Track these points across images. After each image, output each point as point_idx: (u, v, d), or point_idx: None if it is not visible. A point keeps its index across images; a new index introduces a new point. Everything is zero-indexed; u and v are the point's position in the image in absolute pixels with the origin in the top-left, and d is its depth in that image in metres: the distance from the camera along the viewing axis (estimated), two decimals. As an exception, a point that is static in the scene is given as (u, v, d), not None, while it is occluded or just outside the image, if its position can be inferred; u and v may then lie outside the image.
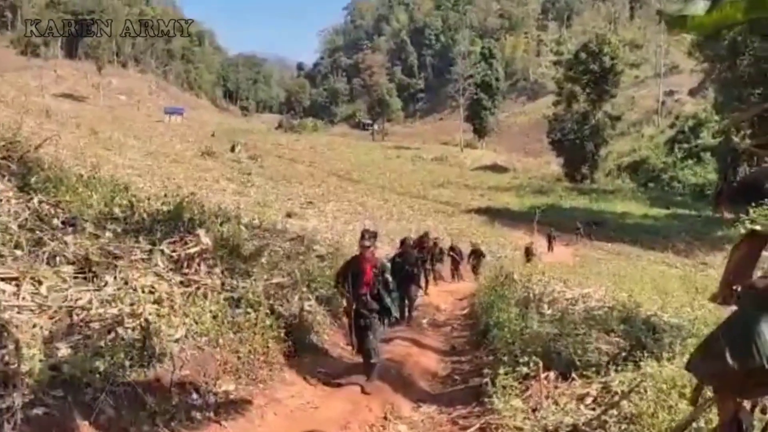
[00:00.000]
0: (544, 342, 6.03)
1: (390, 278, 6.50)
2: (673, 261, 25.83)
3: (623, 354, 5.51)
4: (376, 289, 6.33)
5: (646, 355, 5.08)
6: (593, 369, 5.17)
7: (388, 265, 6.80)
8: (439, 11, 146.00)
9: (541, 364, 5.16)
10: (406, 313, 10.56)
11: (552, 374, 5.24)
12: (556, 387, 5.07)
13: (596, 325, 6.64)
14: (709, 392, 1.90)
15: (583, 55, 60.40)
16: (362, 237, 6.43)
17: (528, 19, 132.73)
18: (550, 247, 27.95)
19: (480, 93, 79.18)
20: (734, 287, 1.82)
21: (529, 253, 20.82)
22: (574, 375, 5.18)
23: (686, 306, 8.62)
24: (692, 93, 72.37)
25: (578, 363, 5.38)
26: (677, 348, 5.27)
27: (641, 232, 35.99)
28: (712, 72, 45.16)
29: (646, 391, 4.13)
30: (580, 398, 4.82)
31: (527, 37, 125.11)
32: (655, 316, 7.48)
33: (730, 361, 1.50)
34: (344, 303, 6.72)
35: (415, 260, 11.36)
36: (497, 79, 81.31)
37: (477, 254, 20.19)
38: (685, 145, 59.34)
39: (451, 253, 19.28)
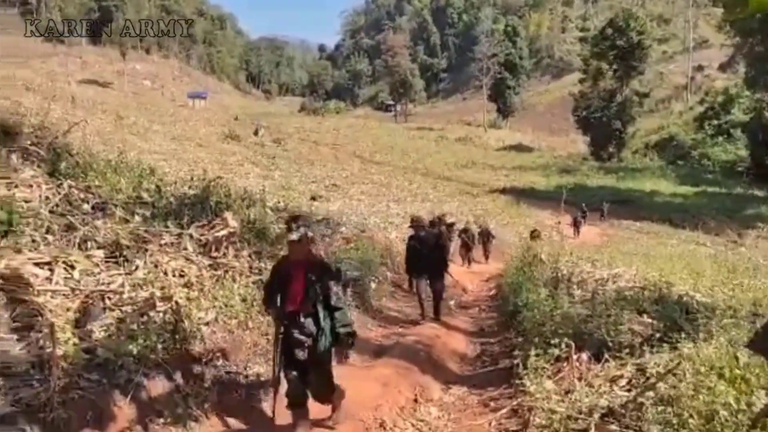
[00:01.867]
0: (575, 323, 5.94)
1: (334, 287, 4.33)
2: (704, 239, 25.33)
3: (657, 335, 5.40)
4: (311, 303, 4.25)
5: (682, 336, 4.96)
6: (627, 350, 5.07)
7: (336, 267, 4.74)
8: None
9: (573, 346, 5.08)
10: (430, 309, 9.28)
11: (584, 356, 5.15)
12: (588, 369, 4.99)
13: (628, 306, 6.52)
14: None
15: (609, 31, 59.22)
16: (288, 229, 4.26)
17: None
18: (576, 232, 26.20)
19: (504, 72, 78.21)
20: None
21: (534, 237, 20.13)
22: (607, 356, 5.09)
23: (719, 285, 8.46)
24: (722, 68, 70.45)
25: (611, 344, 5.28)
26: (713, 329, 5.14)
27: (670, 210, 35.38)
28: (744, 46, 43.98)
29: (683, 373, 4.03)
30: (614, 380, 4.74)
31: (552, 14, 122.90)
32: (688, 295, 7.35)
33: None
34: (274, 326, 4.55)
35: (435, 242, 9.31)
36: (521, 58, 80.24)
37: (485, 235, 19.48)
38: (715, 122, 57.99)
39: (462, 235, 18.25)
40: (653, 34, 64.43)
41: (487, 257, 19.23)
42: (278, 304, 4.30)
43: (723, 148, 55.90)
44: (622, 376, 4.75)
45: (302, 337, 4.23)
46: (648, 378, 4.46)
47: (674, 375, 4.10)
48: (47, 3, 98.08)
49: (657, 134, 66.47)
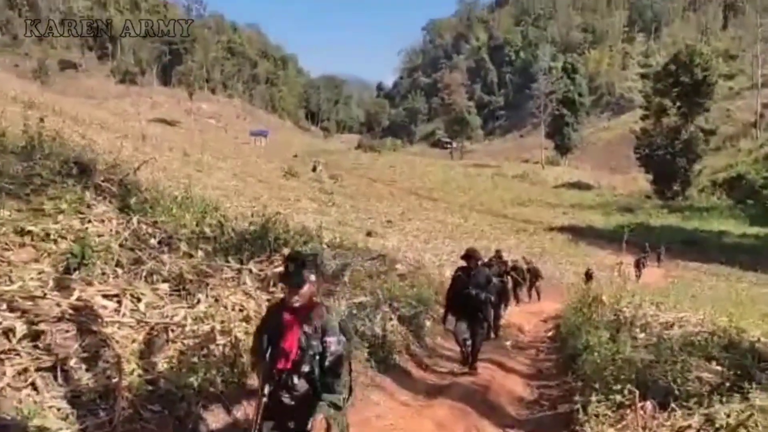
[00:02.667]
0: (639, 369, 5.73)
1: (336, 347, 3.38)
2: (777, 283, 24.13)
3: (727, 384, 5.15)
4: (308, 364, 3.35)
5: (754, 386, 4.72)
6: (694, 399, 4.85)
7: (343, 325, 3.58)
8: (519, 27, 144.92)
9: (637, 393, 4.89)
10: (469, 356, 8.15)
11: (649, 404, 4.95)
12: (653, 417, 4.79)
13: (695, 352, 6.26)
14: None
15: (672, 67, 58.03)
16: (285, 269, 3.40)
17: (613, 32, 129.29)
18: (638, 275, 23.95)
19: (562, 109, 77.64)
20: None
21: (588, 278, 18.54)
22: (673, 405, 4.87)
23: (795, 332, 8.02)
24: (794, 104, 67.89)
25: (677, 392, 5.07)
26: (790, 379, 4.87)
27: (740, 251, 33.84)
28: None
29: (756, 426, 3.83)
30: (681, 431, 4.53)
31: (612, 51, 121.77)
32: (760, 342, 6.99)
33: None
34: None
35: (486, 281, 8.09)
36: (580, 95, 79.44)
37: (533, 273, 18.61)
38: (787, 160, 55.56)
39: (512, 272, 16.96)
40: (719, 70, 62.81)
41: (538, 296, 18.62)
42: (267, 358, 3.36)
43: (796, 187, 53.34)
44: (689, 427, 4.54)
45: (292, 403, 3.34)
46: (717, 429, 4.25)
47: (745, 428, 3.90)
48: (122, 46, 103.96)
49: (725, 172, 64.10)
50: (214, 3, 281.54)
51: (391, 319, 8.40)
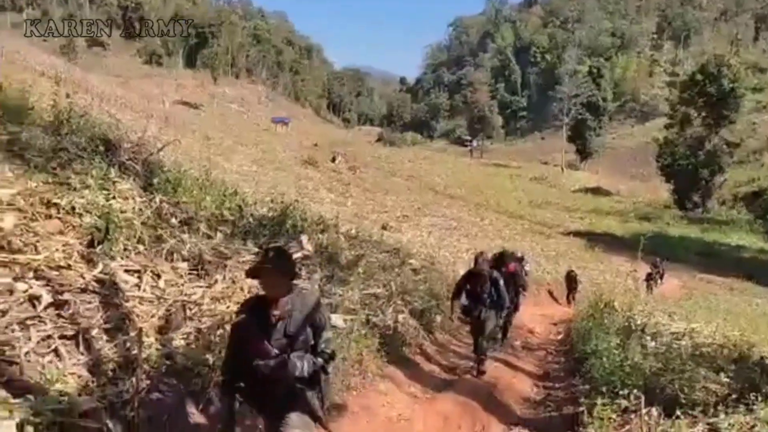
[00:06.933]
0: (647, 375, 5.76)
1: None
2: (794, 301, 23.86)
3: (734, 395, 5.17)
4: None
5: (759, 398, 4.73)
6: (700, 409, 4.87)
7: None
8: (546, 29, 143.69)
9: (642, 399, 4.92)
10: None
11: (654, 410, 4.98)
12: (658, 424, 4.82)
13: (704, 363, 6.27)
14: None
15: (700, 77, 57.22)
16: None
17: (641, 38, 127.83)
18: (649, 289, 21.74)
19: (585, 113, 76.86)
20: None
21: (570, 282, 18.17)
22: (678, 413, 4.90)
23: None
24: (822, 121, 66.73)
25: (683, 401, 5.10)
26: (796, 394, 4.88)
27: (757, 267, 33.46)
28: None
29: (760, 437, 3.86)
30: (685, 438, 4.56)
31: (639, 57, 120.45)
32: (770, 357, 6.98)
33: None
34: None
35: (311, 322, 3.32)
36: (605, 100, 78.57)
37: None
38: (812, 177, 54.69)
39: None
40: (747, 82, 61.86)
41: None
42: None
43: (819, 205, 52.49)
44: (693, 435, 4.57)
45: None
46: (721, 439, 4.28)
47: (749, 438, 3.93)
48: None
49: (747, 186, 63.27)
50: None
51: (402, 311, 8.48)
